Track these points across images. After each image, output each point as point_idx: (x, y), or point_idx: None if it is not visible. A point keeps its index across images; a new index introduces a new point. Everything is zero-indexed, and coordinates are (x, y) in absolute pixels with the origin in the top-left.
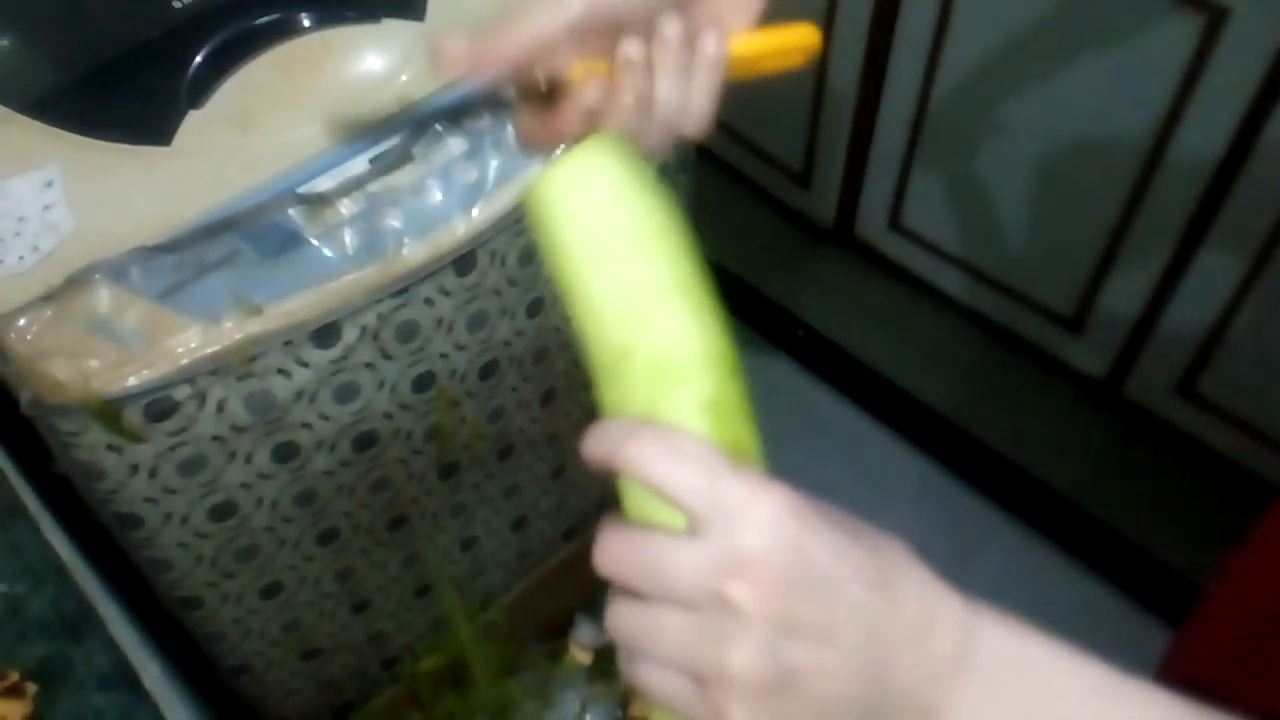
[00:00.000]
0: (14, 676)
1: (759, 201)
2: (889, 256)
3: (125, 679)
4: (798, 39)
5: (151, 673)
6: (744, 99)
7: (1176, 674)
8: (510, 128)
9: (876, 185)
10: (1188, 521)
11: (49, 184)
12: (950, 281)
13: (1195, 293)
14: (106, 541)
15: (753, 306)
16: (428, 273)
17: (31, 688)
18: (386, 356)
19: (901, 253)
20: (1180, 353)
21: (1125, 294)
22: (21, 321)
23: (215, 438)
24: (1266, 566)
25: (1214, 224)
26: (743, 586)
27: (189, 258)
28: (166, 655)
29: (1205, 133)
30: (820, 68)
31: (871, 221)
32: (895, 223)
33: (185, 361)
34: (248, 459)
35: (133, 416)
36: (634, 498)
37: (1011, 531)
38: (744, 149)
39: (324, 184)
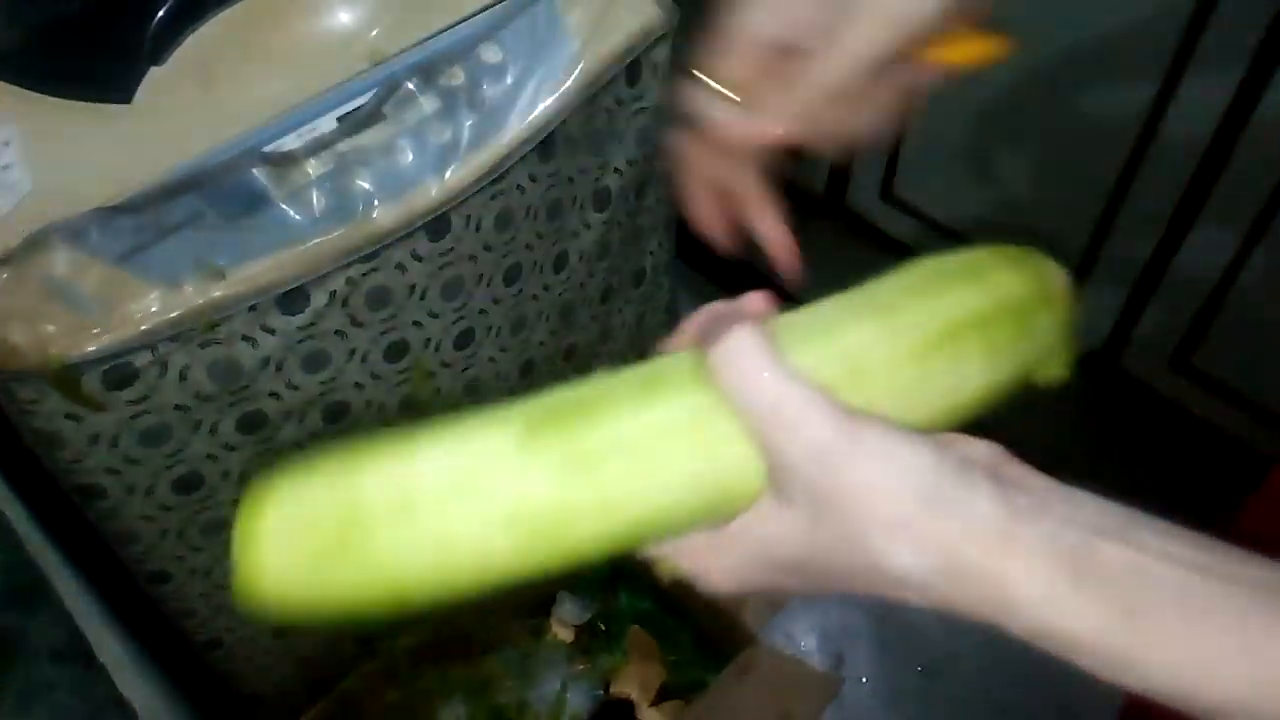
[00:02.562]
0: None
1: None
2: (881, 227)
3: (79, 651)
4: (983, 52)
5: (109, 646)
6: None
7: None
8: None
9: (868, 155)
10: (1182, 494)
11: (6, 143)
12: (943, 253)
13: (1191, 266)
14: (73, 514)
15: (740, 279)
16: (399, 236)
17: None
18: (357, 324)
19: (894, 223)
20: (1177, 325)
21: (1120, 267)
22: None
23: (178, 407)
24: None
25: (1210, 196)
26: None
27: (149, 219)
28: (133, 630)
29: (1200, 105)
30: None
31: (863, 191)
32: (887, 193)
33: (145, 326)
34: (213, 429)
35: (92, 384)
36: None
37: None
38: None
39: (290, 143)
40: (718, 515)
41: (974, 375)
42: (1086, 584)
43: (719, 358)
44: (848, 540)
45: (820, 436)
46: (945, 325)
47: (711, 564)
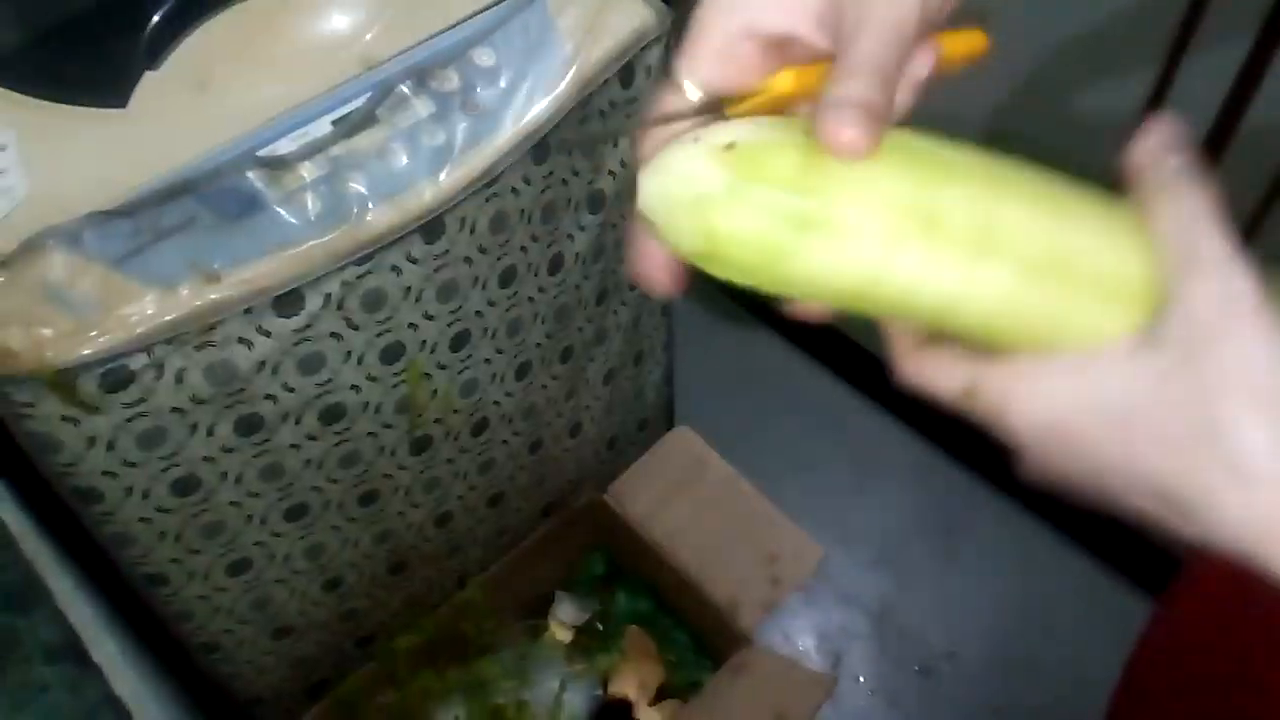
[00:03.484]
0: None
1: None
2: None
3: (73, 651)
4: (966, 46)
5: (104, 646)
6: None
7: (1156, 644)
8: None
9: None
10: None
11: (2, 148)
12: None
13: None
14: (69, 517)
15: None
16: (393, 239)
17: None
18: (352, 326)
19: None
20: None
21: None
22: None
23: (175, 409)
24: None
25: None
26: None
27: (145, 223)
28: (129, 632)
29: (1195, 102)
30: None
31: None
32: None
33: (141, 330)
34: (210, 432)
35: (88, 387)
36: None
37: (998, 507)
38: None
39: (285, 147)
40: (1067, 325)
41: None
42: None
43: (1173, 190)
44: (1203, 401)
45: (1230, 293)
46: None
47: (1033, 388)
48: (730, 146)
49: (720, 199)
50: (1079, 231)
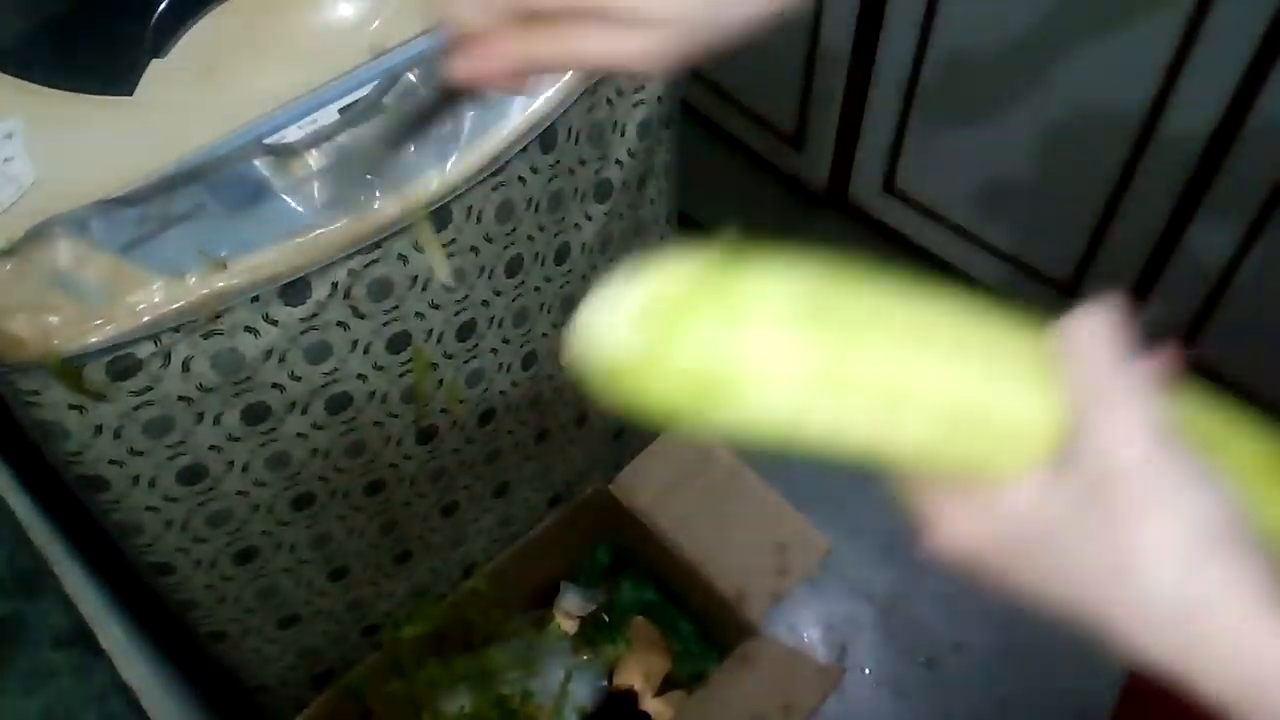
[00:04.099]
0: None
1: (750, 164)
2: (883, 221)
3: (81, 638)
4: None
5: (112, 633)
6: (734, 58)
7: None
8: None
9: (871, 147)
10: None
11: (9, 136)
12: (946, 245)
13: (1194, 255)
14: (76, 508)
15: None
16: (400, 227)
17: None
18: (359, 315)
19: (896, 217)
20: (1177, 317)
21: (1123, 258)
22: None
23: (182, 398)
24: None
25: (1212, 186)
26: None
27: (152, 210)
28: (137, 620)
29: (1201, 98)
30: (813, 27)
31: (866, 184)
32: (890, 186)
33: (148, 318)
34: (216, 420)
35: (95, 375)
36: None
37: None
38: (734, 110)
39: (292, 135)
40: (981, 466)
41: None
42: None
43: (1079, 322)
44: (1111, 536)
45: (1137, 429)
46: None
47: (951, 514)
48: (643, 309)
49: (632, 369)
50: (989, 378)
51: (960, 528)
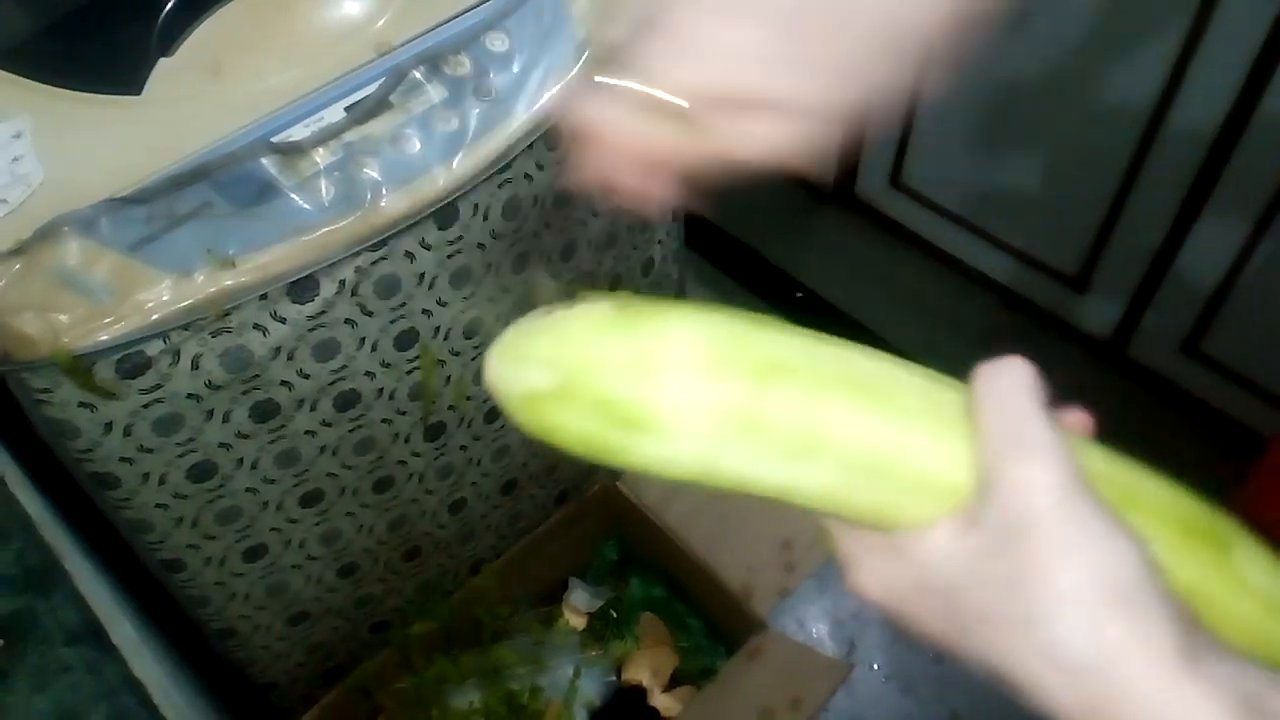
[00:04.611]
0: None
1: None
2: (890, 216)
3: (93, 633)
4: None
5: (122, 629)
6: None
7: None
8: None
9: (878, 143)
10: (1191, 479)
11: (17, 135)
12: (953, 241)
13: (1200, 251)
14: (87, 506)
15: (752, 268)
16: (407, 225)
17: None
18: (367, 312)
19: (903, 212)
20: (1185, 312)
21: (1130, 252)
22: None
23: (191, 395)
24: None
25: (1219, 181)
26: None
27: (160, 209)
28: (148, 617)
29: (1209, 92)
30: None
31: (872, 180)
32: (896, 181)
33: (156, 315)
34: (225, 418)
35: (105, 372)
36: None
37: None
38: None
39: (299, 133)
40: (892, 514)
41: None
42: None
43: (995, 372)
44: (1020, 586)
45: (1049, 480)
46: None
47: (868, 562)
48: (557, 345)
49: (549, 398)
50: (903, 426)
51: (874, 573)
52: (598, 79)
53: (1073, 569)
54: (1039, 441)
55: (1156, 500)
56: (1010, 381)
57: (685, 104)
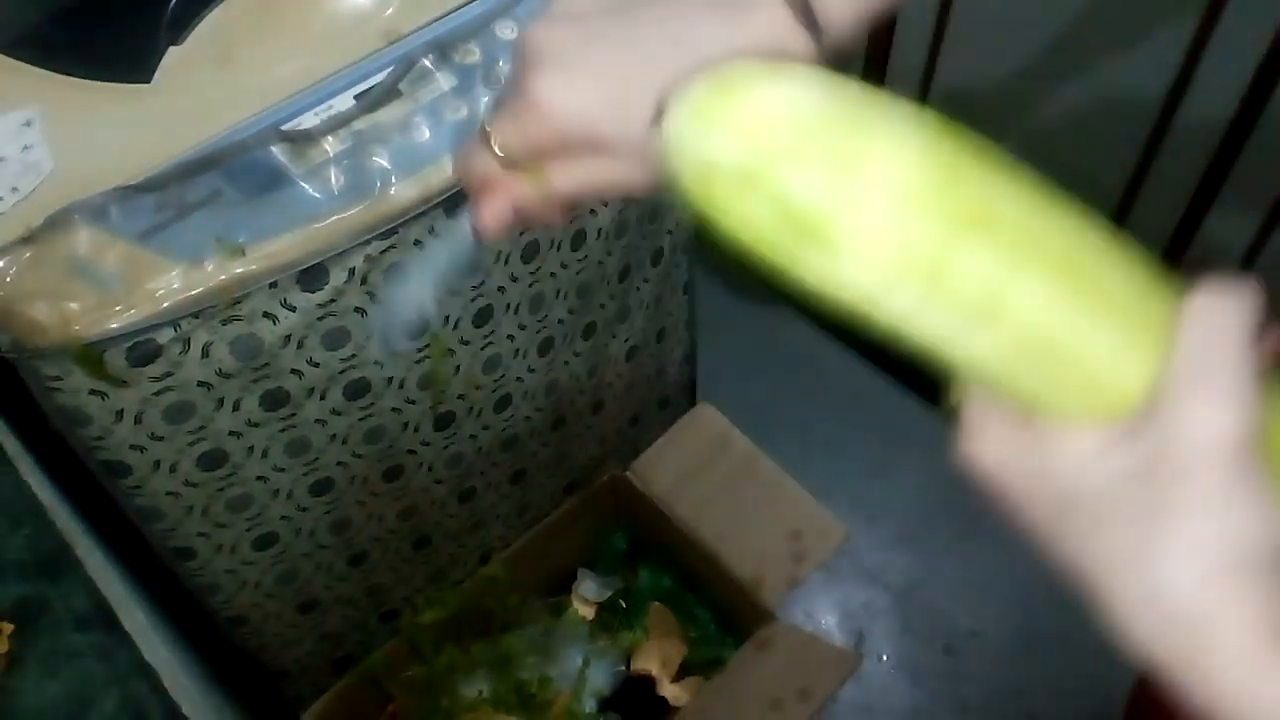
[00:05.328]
0: None
1: None
2: None
3: (104, 619)
4: None
5: (134, 615)
6: None
7: None
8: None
9: None
10: None
11: (28, 124)
12: None
13: (1212, 243)
14: (98, 495)
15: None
16: (417, 213)
17: (7, 627)
18: (377, 301)
19: None
20: None
21: (1143, 242)
22: (0, 263)
23: (201, 383)
24: None
25: (1231, 173)
26: None
27: (170, 197)
28: (159, 605)
29: (1221, 83)
30: None
31: None
32: None
33: (167, 304)
34: (236, 406)
35: (115, 360)
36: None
37: None
38: None
39: (309, 121)
40: (1048, 401)
41: None
42: None
43: (1216, 296)
44: (1151, 521)
45: (1223, 429)
46: None
47: (996, 433)
48: (759, 112)
49: (729, 174)
50: (1094, 320)
51: (998, 449)
52: (469, 143)
53: (1203, 524)
54: (1228, 386)
55: None
56: (1223, 310)
57: (507, 155)
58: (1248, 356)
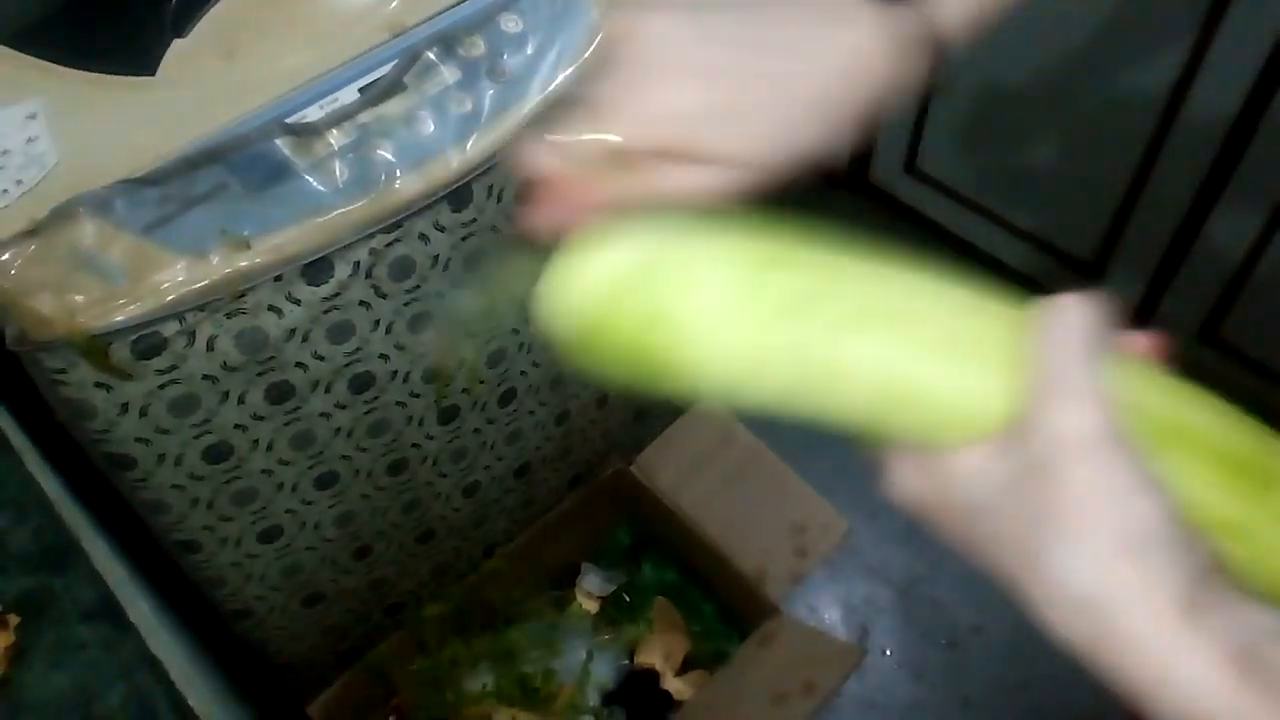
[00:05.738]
0: None
1: None
2: (904, 201)
3: (109, 611)
4: None
5: (139, 607)
6: None
7: None
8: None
9: (892, 128)
10: None
11: (32, 116)
12: (968, 227)
13: (1217, 238)
14: (104, 488)
15: None
16: (421, 206)
17: (14, 619)
18: (381, 295)
19: (917, 197)
20: (1202, 299)
21: (1146, 240)
22: (5, 256)
23: (206, 376)
24: None
25: (1236, 168)
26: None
27: (174, 190)
28: (165, 598)
29: (1226, 78)
30: None
31: (887, 165)
32: (911, 167)
33: (171, 297)
34: (241, 399)
35: (121, 353)
36: None
37: None
38: None
39: (313, 114)
40: (925, 437)
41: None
42: (1252, 682)
43: (1059, 306)
44: (1039, 523)
45: (1083, 428)
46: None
47: (901, 470)
48: (601, 274)
49: (588, 330)
50: (935, 360)
51: (912, 482)
52: (548, 136)
53: (1090, 515)
54: (1081, 385)
55: (1206, 435)
56: (1065, 321)
57: (622, 141)
58: (1097, 355)
